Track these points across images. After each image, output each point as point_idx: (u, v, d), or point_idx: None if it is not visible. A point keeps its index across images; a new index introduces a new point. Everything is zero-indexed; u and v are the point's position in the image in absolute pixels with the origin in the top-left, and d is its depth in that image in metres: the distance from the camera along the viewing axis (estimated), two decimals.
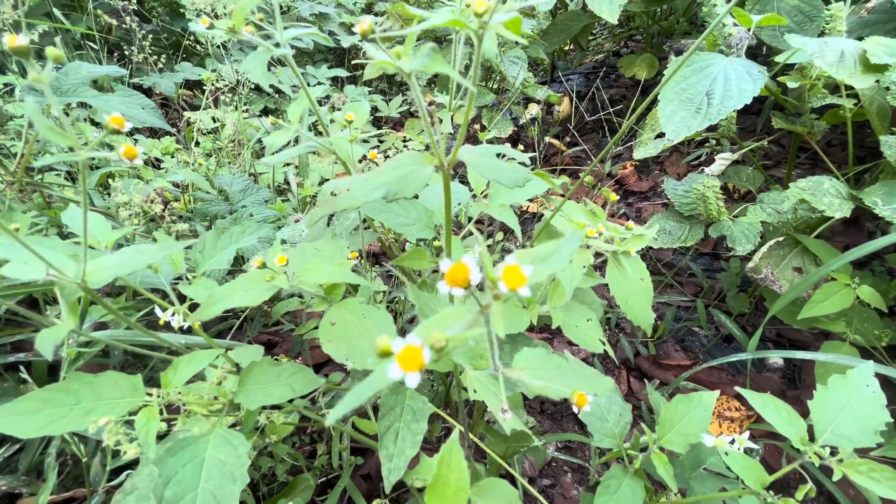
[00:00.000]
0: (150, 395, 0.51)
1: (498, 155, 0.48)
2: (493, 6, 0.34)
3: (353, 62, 3.49)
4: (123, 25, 2.70)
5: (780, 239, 1.13)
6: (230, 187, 1.28)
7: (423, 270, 0.74)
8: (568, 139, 2.95)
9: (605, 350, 0.71)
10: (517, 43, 2.00)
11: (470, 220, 0.73)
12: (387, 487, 0.58)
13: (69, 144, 0.34)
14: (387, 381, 0.23)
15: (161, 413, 0.52)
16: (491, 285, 0.24)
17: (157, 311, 0.59)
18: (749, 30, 1.11)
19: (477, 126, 2.39)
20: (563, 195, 0.86)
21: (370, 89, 3.19)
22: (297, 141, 0.77)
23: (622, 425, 0.62)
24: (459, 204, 0.73)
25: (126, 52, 2.59)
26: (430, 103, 2.27)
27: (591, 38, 4.08)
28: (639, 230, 0.79)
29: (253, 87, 2.70)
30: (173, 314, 0.60)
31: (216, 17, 1.36)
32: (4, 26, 1.18)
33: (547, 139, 1.83)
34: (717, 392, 0.62)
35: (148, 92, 2.88)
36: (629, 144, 2.51)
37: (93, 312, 0.83)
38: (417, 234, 0.68)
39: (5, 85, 1.49)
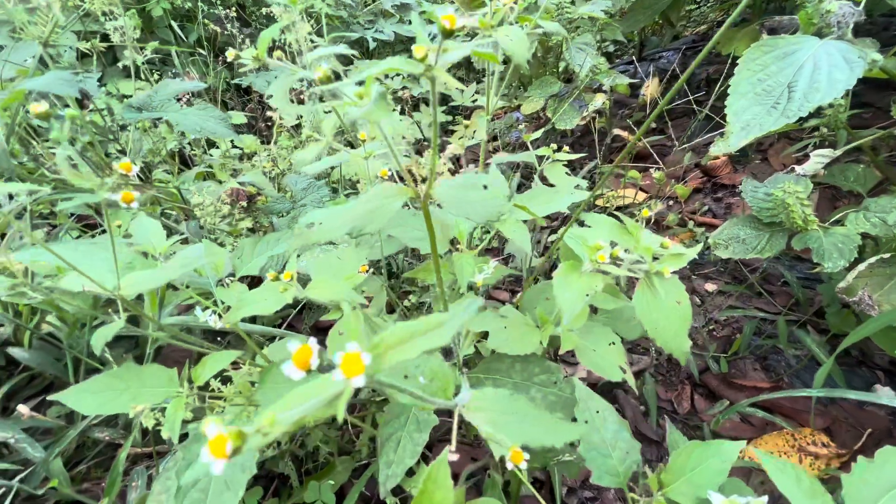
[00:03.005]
0: (181, 388, 0.59)
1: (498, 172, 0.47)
2: (438, 47, 0.33)
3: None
4: (226, 32, 3.00)
5: (886, 256, 0.95)
6: (294, 185, 1.38)
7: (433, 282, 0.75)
8: (653, 125, 2.71)
9: (623, 378, 0.67)
10: (590, 20, 1.86)
11: (486, 233, 0.71)
12: (382, 493, 0.61)
13: (90, 186, 0.40)
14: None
15: (195, 402, 0.60)
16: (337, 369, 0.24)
17: (198, 310, 0.68)
18: (859, 3, 0.92)
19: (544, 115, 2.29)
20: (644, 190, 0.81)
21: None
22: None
23: (628, 464, 0.58)
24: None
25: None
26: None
27: (694, 5, 3.66)
28: (676, 249, 0.71)
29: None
30: (211, 314, 0.68)
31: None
32: (130, 42, 1.40)
33: (615, 131, 1.69)
34: (743, 443, 0.55)
35: (247, 91, 3.20)
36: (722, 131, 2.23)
37: (171, 298, 0.96)
38: (428, 249, 0.69)
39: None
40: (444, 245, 0.71)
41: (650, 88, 2.74)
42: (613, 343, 0.70)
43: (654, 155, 2.40)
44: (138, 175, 1.42)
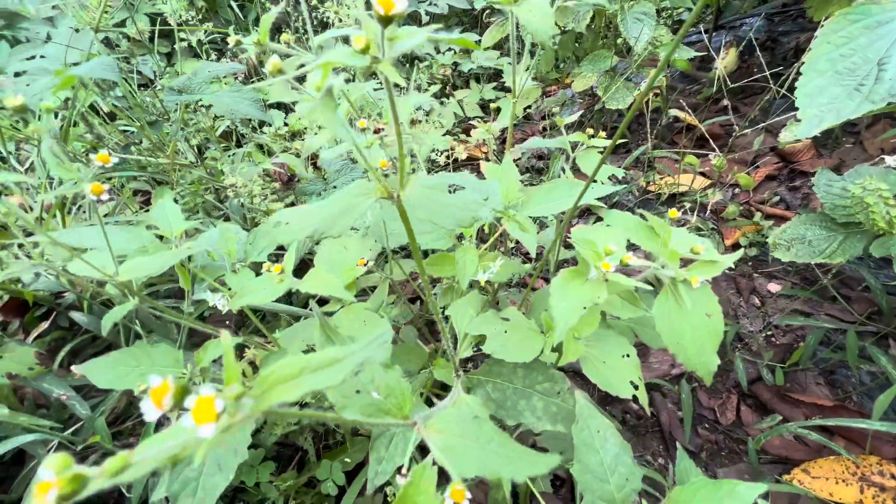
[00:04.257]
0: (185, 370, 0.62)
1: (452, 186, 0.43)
2: (381, 37, 0.30)
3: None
4: (282, 11, 3.07)
5: None
6: (329, 167, 1.39)
7: (444, 277, 0.72)
8: (726, 102, 2.44)
9: (635, 395, 0.61)
10: None
11: (493, 228, 0.67)
12: (369, 488, 0.61)
13: (72, 178, 0.41)
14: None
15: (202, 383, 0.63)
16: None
17: (208, 293, 0.70)
18: None
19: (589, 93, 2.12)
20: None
21: (499, 53, 3.08)
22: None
23: (626, 491, 0.53)
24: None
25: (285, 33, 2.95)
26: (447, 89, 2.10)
27: None
28: (709, 255, 0.63)
29: None
30: (221, 298, 0.70)
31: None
32: (189, 25, 1.46)
33: (673, 112, 1.53)
34: (763, 486, 0.48)
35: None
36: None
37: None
38: (431, 244, 0.65)
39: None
40: (447, 239, 0.67)
41: (726, 61, 2.46)
42: (628, 355, 0.64)
43: (713, 139, 2.16)
44: (193, 154, 1.50)
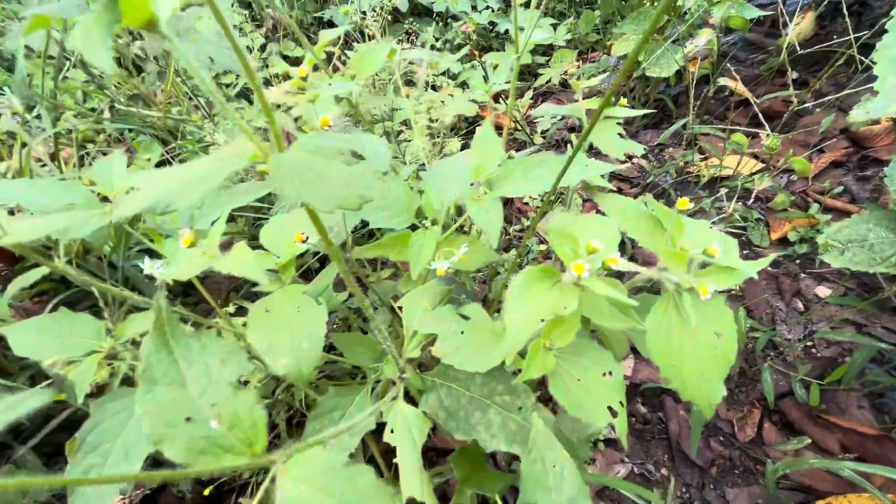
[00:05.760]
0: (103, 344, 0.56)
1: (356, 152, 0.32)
2: None
3: None
4: None
5: None
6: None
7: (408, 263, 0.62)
8: (795, 75, 2.13)
9: (610, 424, 0.50)
10: None
11: (459, 213, 0.56)
12: None
13: None
14: None
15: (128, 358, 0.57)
16: None
17: (146, 260, 0.64)
18: None
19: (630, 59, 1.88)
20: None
21: (543, 12, 2.83)
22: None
23: None
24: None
25: None
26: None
27: None
28: (725, 260, 0.50)
29: (391, 13, 2.69)
30: (160, 266, 0.63)
31: None
32: None
33: (722, 80, 1.31)
34: None
35: (330, 24, 3.16)
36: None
37: None
38: (386, 222, 0.55)
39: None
40: (407, 217, 0.56)
41: (800, 26, 2.14)
42: (610, 373, 0.53)
43: (774, 116, 1.89)
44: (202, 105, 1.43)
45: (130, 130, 1.39)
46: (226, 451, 0.29)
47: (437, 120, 1.97)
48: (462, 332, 0.52)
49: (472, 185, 0.58)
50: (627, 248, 1.52)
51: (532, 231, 0.52)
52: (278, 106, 0.65)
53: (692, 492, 1.13)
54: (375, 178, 0.28)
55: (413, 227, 0.59)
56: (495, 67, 1.22)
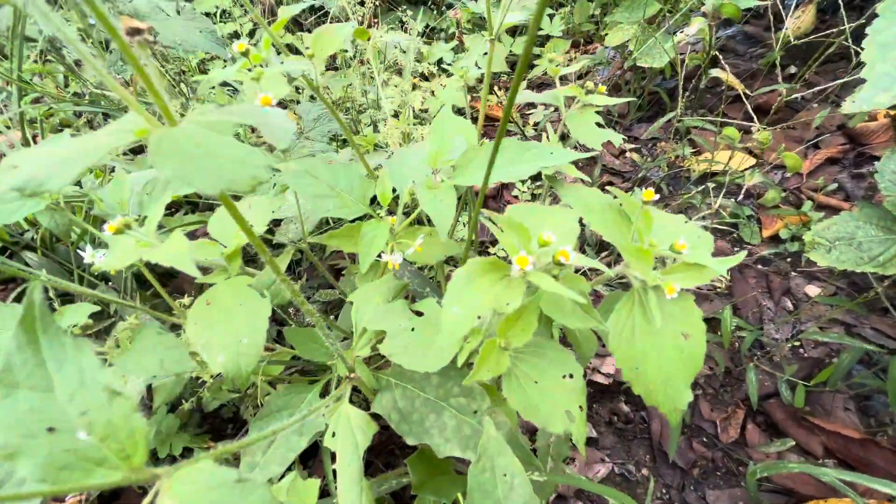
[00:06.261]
0: None
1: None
2: None
3: None
4: None
5: None
6: (306, 115, 1.25)
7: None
8: (794, 69, 2.08)
9: (567, 431, 0.47)
10: None
11: (409, 207, 0.52)
12: None
13: None
14: None
15: None
16: None
17: (88, 248, 0.60)
18: None
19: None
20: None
21: None
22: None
23: None
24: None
25: None
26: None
27: None
28: (695, 256, 0.46)
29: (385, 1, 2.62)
30: (102, 255, 0.60)
31: None
32: None
33: (714, 72, 1.27)
34: None
35: (321, 10, 3.08)
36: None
37: None
38: (333, 212, 0.51)
39: None
40: (359, 208, 0.53)
41: (801, 19, 2.09)
42: (571, 376, 0.49)
43: (769, 111, 1.85)
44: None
45: (107, 116, 1.35)
46: (97, 464, 0.26)
47: (426, 110, 1.92)
48: (413, 330, 0.49)
49: (433, 172, 0.54)
50: (596, 239, 1.48)
51: (474, 223, 0.48)
52: (225, 84, 0.61)
53: (672, 493, 1.11)
54: (264, 164, 0.25)
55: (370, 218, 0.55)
56: (466, 51, 1.18)
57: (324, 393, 0.57)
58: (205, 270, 0.62)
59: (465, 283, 0.37)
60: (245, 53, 0.48)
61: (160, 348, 0.54)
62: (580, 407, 0.49)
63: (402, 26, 2.81)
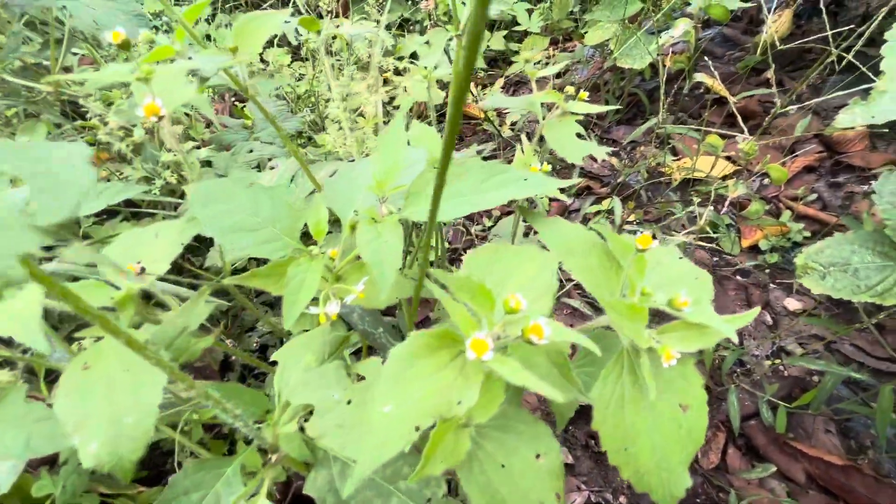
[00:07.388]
0: None
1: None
2: None
3: None
4: None
5: None
6: (258, 114, 1.13)
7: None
8: (769, 75, 2.05)
9: None
10: None
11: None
12: None
13: None
14: None
15: None
16: None
17: None
18: None
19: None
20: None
21: None
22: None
23: None
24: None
25: None
26: None
27: None
28: (697, 315, 0.37)
29: None
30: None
31: None
32: None
33: (698, 76, 1.21)
34: None
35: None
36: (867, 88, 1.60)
37: None
38: (252, 250, 0.40)
39: None
40: (287, 241, 0.42)
41: (777, 24, 2.06)
42: (544, 455, 0.40)
43: (749, 117, 1.82)
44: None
45: (27, 113, 1.18)
46: None
47: (397, 107, 1.80)
48: (349, 402, 0.39)
49: (379, 201, 0.44)
50: None
51: (417, 255, 0.39)
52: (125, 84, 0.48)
53: None
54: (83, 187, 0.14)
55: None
56: (427, 43, 1.07)
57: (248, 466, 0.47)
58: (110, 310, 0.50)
59: (403, 369, 0.28)
60: (122, 46, 0.37)
61: (28, 421, 0.42)
62: (557, 495, 0.40)
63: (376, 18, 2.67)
